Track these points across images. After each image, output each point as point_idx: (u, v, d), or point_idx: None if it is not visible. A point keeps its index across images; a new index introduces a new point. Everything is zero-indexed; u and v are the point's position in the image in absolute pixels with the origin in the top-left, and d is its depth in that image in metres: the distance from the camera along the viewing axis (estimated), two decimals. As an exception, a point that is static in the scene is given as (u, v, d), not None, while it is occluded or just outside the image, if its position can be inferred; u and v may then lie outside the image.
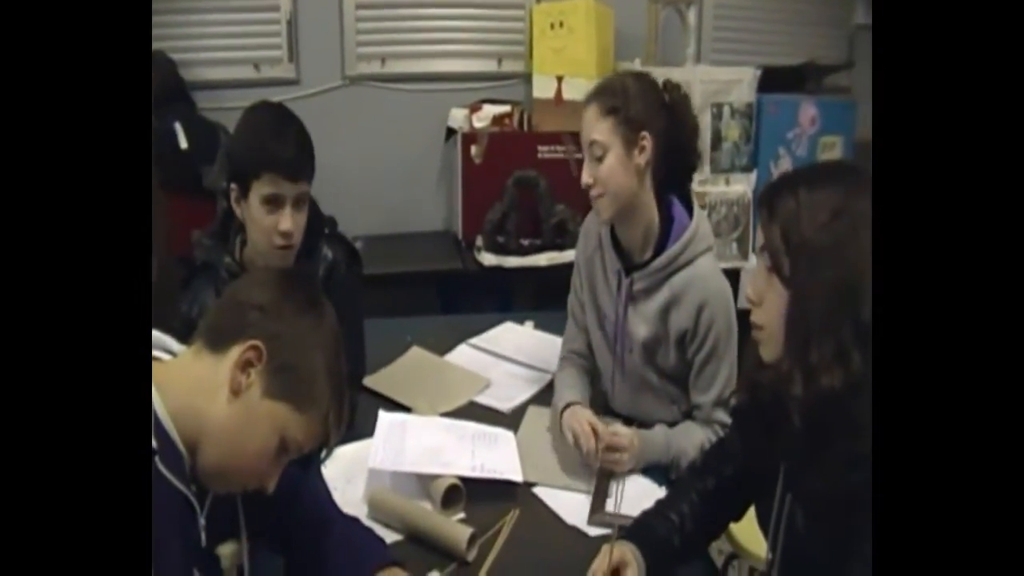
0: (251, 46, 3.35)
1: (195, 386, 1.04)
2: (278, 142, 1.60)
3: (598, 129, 1.61)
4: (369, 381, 2.03)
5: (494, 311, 3.06)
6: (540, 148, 3.18)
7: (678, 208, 1.69)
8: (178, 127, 3.05)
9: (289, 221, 1.62)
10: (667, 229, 1.68)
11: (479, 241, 3.20)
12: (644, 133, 1.60)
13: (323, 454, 1.48)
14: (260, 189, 1.60)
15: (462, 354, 2.22)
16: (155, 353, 1.10)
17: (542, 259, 3.13)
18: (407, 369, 2.13)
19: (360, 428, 1.79)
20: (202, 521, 1.09)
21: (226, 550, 1.15)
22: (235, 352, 1.03)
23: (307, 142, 1.67)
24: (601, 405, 1.87)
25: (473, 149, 3.17)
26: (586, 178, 1.64)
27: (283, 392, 1.04)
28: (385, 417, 1.76)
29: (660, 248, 1.67)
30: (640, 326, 1.72)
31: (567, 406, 1.74)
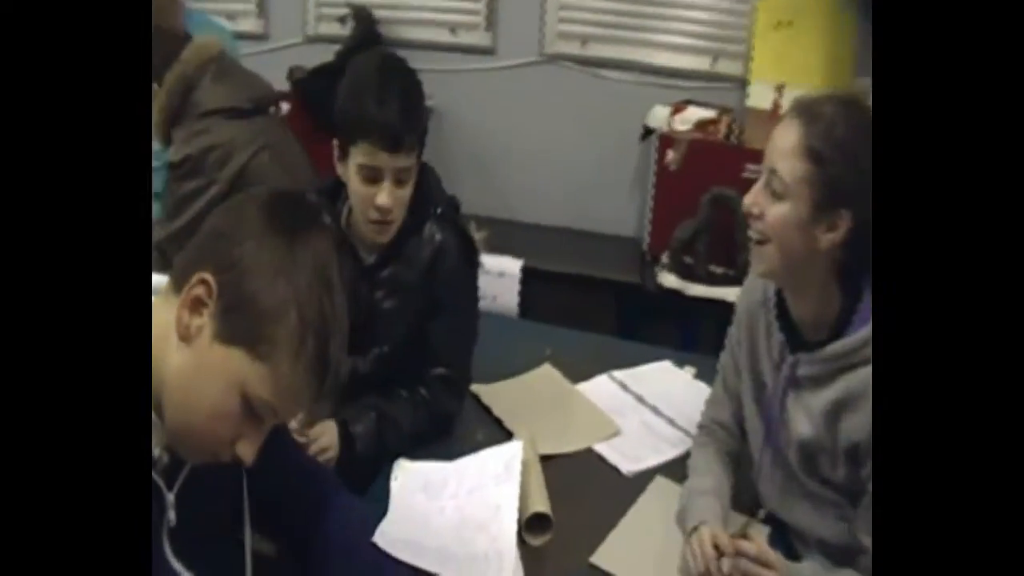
0: (451, 9, 3.21)
1: (158, 334, 0.87)
2: (379, 105, 1.39)
3: (788, 165, 1.17)
4: (479, 390, 1.72)
5: (672, 341, 2.72)
6: (747, 166, 2.71)
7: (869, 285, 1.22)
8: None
9: (387, 196, 1.43)
10: (852, 306, 1.22)
11: (664, 258, 2.83)
12: (842, 212, 1.16)
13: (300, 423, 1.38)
14: (356, 157, 1.42)
15: (598, 386, 1.84)
16: None
17: (732, 294, 2.66)
18: (529, 388, 1.80)
19: (451, 445, 1.55)
20: (170, 497, 0.94)
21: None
22: (185, 289, 0.87)
23: (415, 106, 1.46)
24: (749, 498, 1.43)
25: (670, 154, 2.82)
26: (750, 202, 1.22)
27: (236, 334, 0.85)
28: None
29: (839, 329, 1.22)
30: (801, 422, 1.27)
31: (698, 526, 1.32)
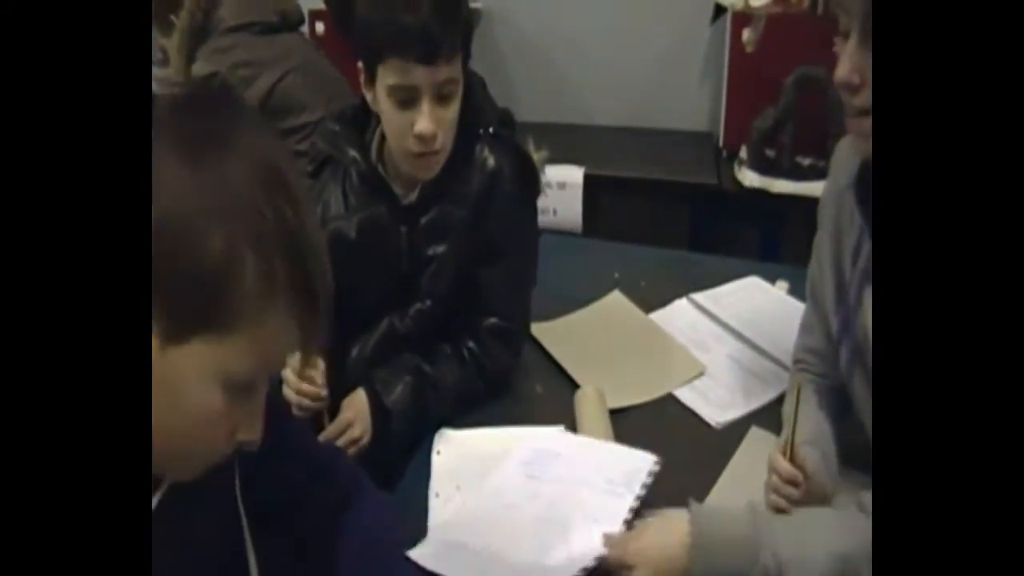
0: None
1: None
2: (407, 4, 1.12)
3: None
4: (537, 330, 1.49)
5: (753, 247, 2.54)
6: (836, 39, 2.35)
7: None
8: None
9: (428, 120, 1.16)
10: None
11: (743, 153, 2.53)
12: None
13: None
14: (386, 77, 1.16)
15: (676, 313, 1.59)
16: None
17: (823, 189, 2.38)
18: (595, 323, 1.56)
19: (505, 402, 1.33)
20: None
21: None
22: None
23: (455, 2, 1.18)
24: (864, 442, 1.17)
25: (745, 33, 2.44)
26: (847, 72, 0.92)
27: (186, 324, 0.61)
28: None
29: None
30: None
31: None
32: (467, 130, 1.26)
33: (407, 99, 1.16)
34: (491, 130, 1.30)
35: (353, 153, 1.30)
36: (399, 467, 1.22)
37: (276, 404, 0.79)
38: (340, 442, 1.21)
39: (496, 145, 1.29)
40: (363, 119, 1.31)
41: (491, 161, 1.28)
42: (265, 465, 0.80)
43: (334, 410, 1.25)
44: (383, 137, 1.29)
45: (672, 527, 0.99)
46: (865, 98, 0.92)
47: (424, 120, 1.16)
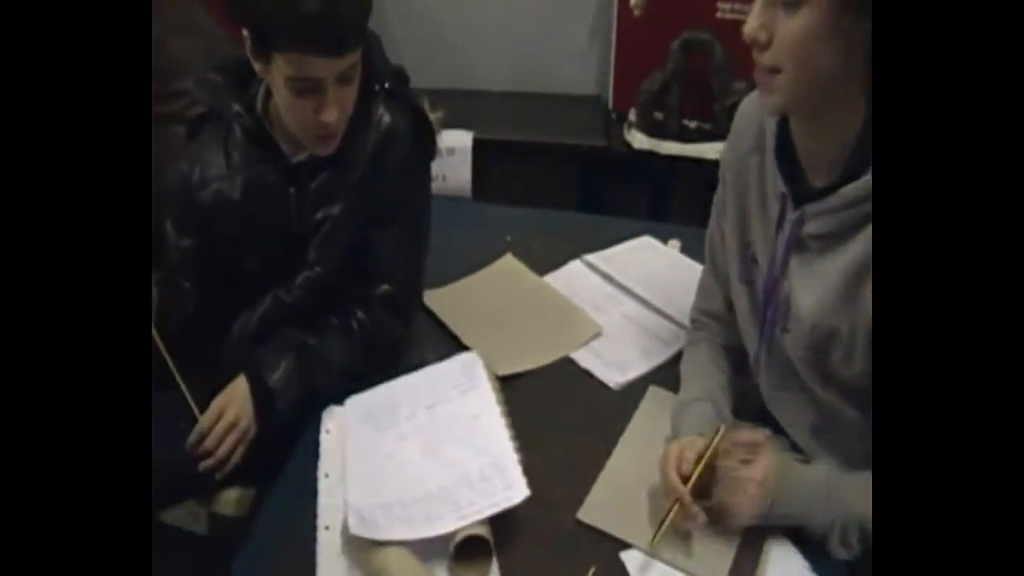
0: None
1: None
2: None
3: None
4: (428, 297, 1.43)
5: (643, 208, 2.55)
6: (720, 4, 2.41)
7: None
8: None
9: (333, 109, 1.09)
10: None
11: (632, 115, 2.53)
12: None
13: None
14: (284, 68, 1.05)
15: (570, 275, 1.55)
16: None
17: (710, 150, 2.40)
18: (488, 288, 1.51)
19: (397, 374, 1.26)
20: None
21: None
22: None
23: None
24: (753, 401, 1.17)
25: (633, -1, 2.45)
26: (755, 28, 0.90)
27: None
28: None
29: (857, 167, 0.93)
30: (808, 297, 1.00)
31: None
32: (363, 88, 1.17)
33: (308, 88, 1.07)
34: (387, 86, 1.22)
35: (237, 107, 1.20)
36: (286, 449, 1.15)
37: None
38: (218, 430, 1.12)
39: (392, 103, 1.22)
40: (247, 71, 1.19)
41: (387, 119, 1.21)
42: None
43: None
44: (269, 91, 1.18)
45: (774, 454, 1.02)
46: (772, 55, 0.90)
47: (330, 111, 1.09)
